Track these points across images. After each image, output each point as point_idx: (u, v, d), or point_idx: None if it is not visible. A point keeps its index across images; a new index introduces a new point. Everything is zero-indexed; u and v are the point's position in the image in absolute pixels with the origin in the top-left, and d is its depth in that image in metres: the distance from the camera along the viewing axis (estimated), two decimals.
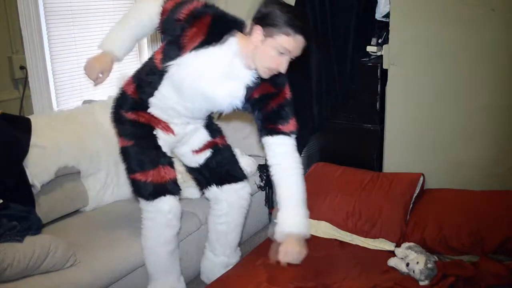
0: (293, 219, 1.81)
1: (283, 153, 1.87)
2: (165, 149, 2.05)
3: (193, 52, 1.80)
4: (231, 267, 2.23)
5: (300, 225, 1.81)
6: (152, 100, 1.97)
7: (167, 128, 2.04)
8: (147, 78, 1.95)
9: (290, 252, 1.78)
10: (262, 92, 1.88)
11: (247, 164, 2.73)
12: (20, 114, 2.67)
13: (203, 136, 2.15)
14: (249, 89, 1.88)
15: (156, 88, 1.93)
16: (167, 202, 1.96)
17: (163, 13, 1.83)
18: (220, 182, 2.14)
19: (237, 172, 2.18)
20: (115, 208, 2.47)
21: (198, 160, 2.15)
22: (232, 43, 1.82)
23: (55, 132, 2.33)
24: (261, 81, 1.86)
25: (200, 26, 1.78)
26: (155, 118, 2.02)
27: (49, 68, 2.75)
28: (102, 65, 1.87)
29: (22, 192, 2.10)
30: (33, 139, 2.20)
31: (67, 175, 2.38)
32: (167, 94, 1.93)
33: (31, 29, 2.58)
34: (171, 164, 2.04)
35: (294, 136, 1.89)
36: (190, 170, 2.22)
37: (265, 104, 1.88)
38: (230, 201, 2.15)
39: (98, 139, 2.48)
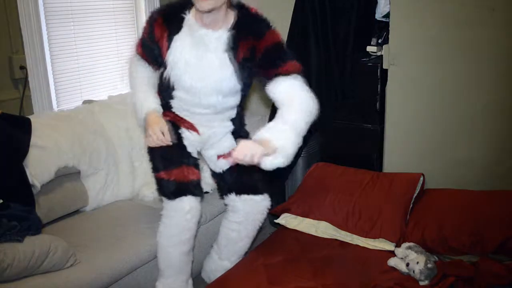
0: (277, 134, 1.72)
1: (286, 90, 1.83)
2: (190, 149, 2.09)
3: (170, 51, 1.94)
4: None
5: (285, 143, 1.71)
6: (172, 103, 2.06)
7: (192, 127, 2.09)
8: (163, 88, 2.08)
9: (247, 148, 1.64)
10: (247, 46, 1.88)
11: None
12: (20, 114, 2.67)
13: (230, 143, 2.14)
14: (233, 49, 1.89)
15: (172, 93, 2.04)
16: (187, 202, 1.99)
17: (142, 55, 2.07)
18: (240, 191, 2.12)
19: (259, 184, 2.15)
20: (115, 208, 2.47)
21: (223, 166, 2.15)
22: (189, 20, 1.91)
23: (55, 132, 2.32)
24: (240, 40, 1.88)
25: (158, 28, 1.95)
26: (180, 117, 2.08)
27: (49, 68, 2.75)
28: (158, 125, 1.93)
29: (22, 192, 2.09)
30: (33, 139, 2.20)
31: (67, 175, 2.38)
32: (183, 96, 2.01)
33: (31, 29, 2.58)
34: (196, 166, 2.09)
35: (296, 75, 1.85)
36: (214, 174, 2.23)
37: (255, 54, 1.88)
38: (247, 211, 2.13)
39: (98, 139, 2.47)
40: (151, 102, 2.01)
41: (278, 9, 3.21)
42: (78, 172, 2.42)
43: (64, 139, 2.33)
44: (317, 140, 2.94)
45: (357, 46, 2.72)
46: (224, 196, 2.19)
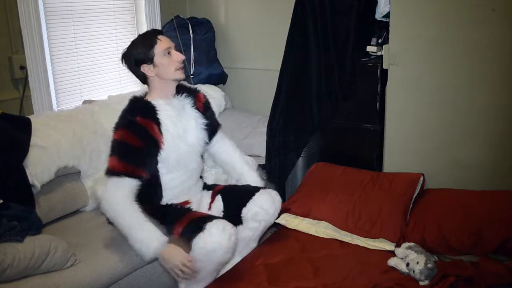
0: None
1: (229, 144, 2.31)
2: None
3: (164, 138, 1.99)
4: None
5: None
6: (164, 194, 2.08)
7: (185, 203, 2.12)
8: (149, 195, 2.02)
9: None
10: (200, 100, 2.19)
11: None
12: (20, 114, 2.67)
13: (206, 193, 2.24)
14: (195, 107, 2.15)
15: (162, 192, 2.07)
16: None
17: (131, 171, 1.90)
18: (244, 202, 2.13)
19: (251, 187, 2.21)
20: None
21: (217, 208, 2.18)
22: (159, 102, 2.02)
23: (55, 132, 2.32)
24: (193, 96, 2.17)
25: (147, 124, 1.96)
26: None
27: (49, 68, 2.75)
28: (181, 261, 1.83)
29: (22, 192, 2.09)
30: (33, 139, 2.20)
31: (67, 175, 2.38)
32: (174, 181, 2.08)
33: (31, 29, 2.58)
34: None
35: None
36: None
37: (207, 110, 2.22)
38: (266, 207, 2.12)
39: (98, 139, 2.47)
40: (157, 236, 1.84)
41: (278, 9, 3.21)
42: (78, 172, 2.42)
43: (64, 139, 2.33)
44: (317, 140, 2.94)
45: (357, 46, 2.71)
46: (239, 226, 2.16)
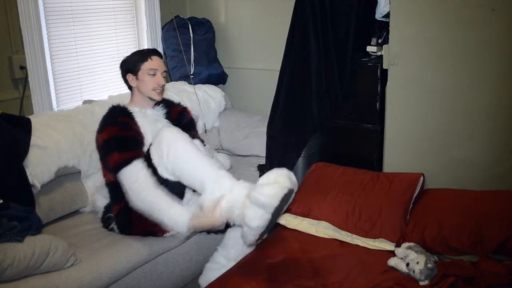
0: None
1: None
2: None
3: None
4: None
5: None
6: None
7: None
8: None
9: None
10: (175, 111, 2.36)
11: (222, 159, 2.87)
12: (20, 114, 2.67)
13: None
14: (167, 117, 2.32)
15: None
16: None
17: (136, 154, 2.04)
18: None
19: None
20: None
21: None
22: (134, 109, 2.20)
23: (55, 132, 2.32)
24: (169, 109, 2.35)
25: (130, 121, 2.15)
26: None
27: (49, 68, 2.75)
28: (208, 224, 1.95)
29: (22, 192, 2.10)
30: (33, 139, 2.20)
31: (67, 175, 2.38)
32: None
33: (31, 29, 2.58)
34: None
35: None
36: None
37: (182, 117, 2.36)
38: None
39: None
40: (184, 215, 1.94)
41: (278, 9, 3.21)
42: (78, 172, 2.42)
43: (64, 139, 2.33)
44: (317, 140, 2.94)
45: (357, 46, 2.72)
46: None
